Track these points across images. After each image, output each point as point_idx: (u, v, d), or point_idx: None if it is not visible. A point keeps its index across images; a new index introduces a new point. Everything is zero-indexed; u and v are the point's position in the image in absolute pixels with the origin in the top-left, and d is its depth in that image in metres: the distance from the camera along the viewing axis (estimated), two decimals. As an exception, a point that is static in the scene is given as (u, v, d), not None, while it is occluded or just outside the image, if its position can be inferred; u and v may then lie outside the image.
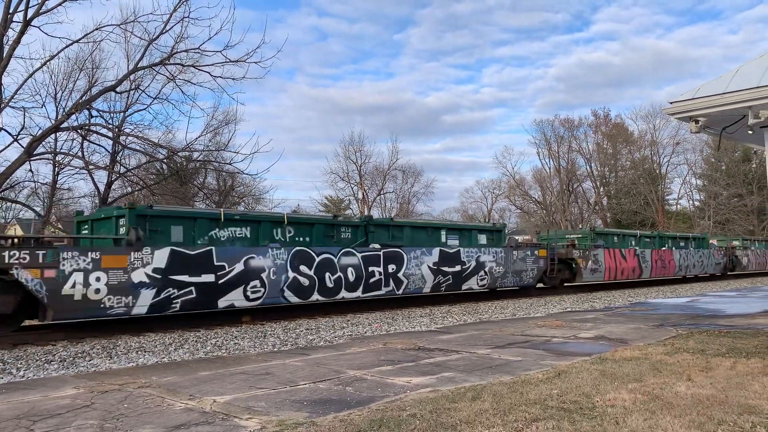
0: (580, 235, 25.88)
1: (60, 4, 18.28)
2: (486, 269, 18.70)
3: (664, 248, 28.34)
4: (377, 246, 15.76)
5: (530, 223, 64.05)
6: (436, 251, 17.21)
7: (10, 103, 18.99)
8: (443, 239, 18.00)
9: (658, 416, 4.74)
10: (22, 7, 17.96)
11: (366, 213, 53.40)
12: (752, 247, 37.72)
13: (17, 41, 18.05)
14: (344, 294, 14.80)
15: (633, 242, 27.16)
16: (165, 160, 23.84)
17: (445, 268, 17.44)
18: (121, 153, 24.01)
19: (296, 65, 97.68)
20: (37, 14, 18.10)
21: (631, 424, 4.56)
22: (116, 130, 21.38)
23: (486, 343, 9.47)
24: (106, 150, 23.33)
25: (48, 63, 19.61)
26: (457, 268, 17.83)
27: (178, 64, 19.76)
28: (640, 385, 5.90)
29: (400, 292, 16.21)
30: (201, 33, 39.12)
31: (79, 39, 19.15)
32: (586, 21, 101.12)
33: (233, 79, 19.54)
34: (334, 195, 59.51)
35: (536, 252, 20.97)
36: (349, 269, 14.96)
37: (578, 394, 5.59)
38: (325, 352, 9.09)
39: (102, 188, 24.19)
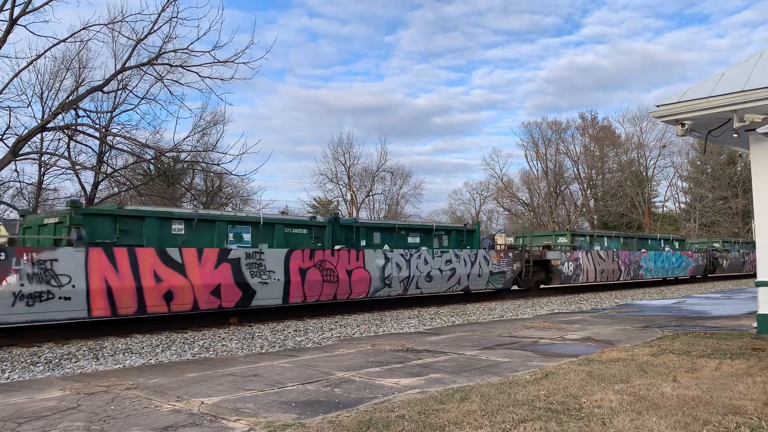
0: (59, 220, 12.03)
1: (47, 3, 18.10)
2: None
3: (340, 248, 15.61)
4: None
5: (518, 225, 64.40)
6: None
7: (-4, 103, 18.82)
8: None
9: (645, 417, 4.78)
10: (8, 5, 17.78)
11: (355, 214, 53.14)
12: (594, 247, 25.01)
13: (3, 40, 17.86)
14: None
15: (244, 237, 14.08)
16: (152, 161, 23.69)
17: None
18: (108, 153, 23.84)
19: (286, 66, 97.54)
20: (23, 13, 17.92)
21: (618, 424, 4.60)
22: (103, 130, 21.22)
23: (474, 345, 9.50)
24: (93, 150, 23.15)
25: (34, 62, 19.46)
26: None
27: (166, 64, 19.65)
28: (627, 386, 5.95)
29: None
30: (189, 33, 38.95)
31: (66, 38, 18.99)
32: (576, 24, 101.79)
33: (222, 79, 19.46)
34: (323, 196, 59.52)
35: None
36: None
37: (565, 395, 5.62)
38: (314, 353, 9.07)
39: (89, 189, 24.01)
